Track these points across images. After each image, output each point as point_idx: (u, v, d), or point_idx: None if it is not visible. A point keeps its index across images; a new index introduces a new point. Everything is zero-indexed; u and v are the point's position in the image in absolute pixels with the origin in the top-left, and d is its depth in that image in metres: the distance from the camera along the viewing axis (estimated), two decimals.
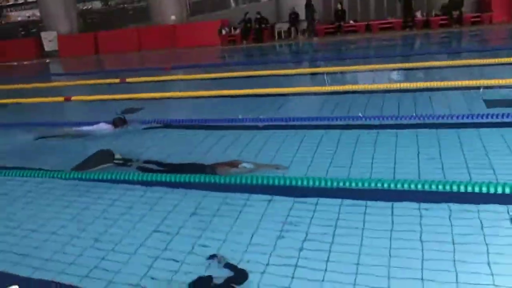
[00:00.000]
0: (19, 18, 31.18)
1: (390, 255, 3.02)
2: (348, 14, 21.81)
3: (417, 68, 10.52)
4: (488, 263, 2.83)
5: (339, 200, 3.84)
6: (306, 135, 5.85)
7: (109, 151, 5.41)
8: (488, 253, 2.94)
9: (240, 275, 2.97)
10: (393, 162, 4.63)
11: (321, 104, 8.10)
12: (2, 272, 3.25)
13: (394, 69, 10.81)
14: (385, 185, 4.03)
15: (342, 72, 11.21)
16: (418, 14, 20.17)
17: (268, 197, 4.08)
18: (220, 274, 2.95)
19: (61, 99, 10.82)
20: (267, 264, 3.06)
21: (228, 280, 2.89)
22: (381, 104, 7.15)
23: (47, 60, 24.56)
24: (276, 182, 4.35)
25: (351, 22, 21.51)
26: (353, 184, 4.15)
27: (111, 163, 5.25)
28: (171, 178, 4.67)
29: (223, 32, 22.79)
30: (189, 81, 12.47)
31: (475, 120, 5.78)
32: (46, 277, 3.16)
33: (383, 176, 4.26)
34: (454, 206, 3.56)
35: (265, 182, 4.37)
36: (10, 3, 35.39)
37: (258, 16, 21.95)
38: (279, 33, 22.21)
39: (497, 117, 5.76)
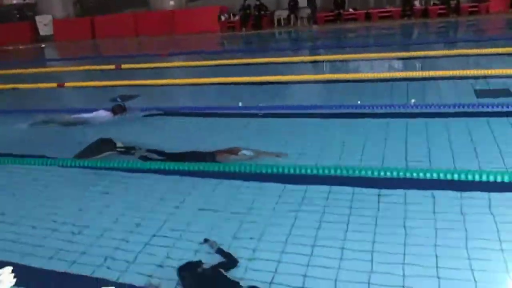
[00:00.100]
0: (14, 1, 30.71)
1: None
2: (348, 3, 21.77)
3: (414, 58, 10.58)
4: None
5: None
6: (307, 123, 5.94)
7: (110, 139, 5.45)
8: None
9: (230, 261, 3.06)
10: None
11: (321, 92, 8.14)
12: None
13: (393, 58, 10.84)
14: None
15: (342, 60, 11.18)
16: (417, 3, 20.20)
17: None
18: (211, 260, 3.06)
19: (54, 85, 10.73)
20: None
21: (217, 266, 2.97)
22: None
23: (42, 45, 24.33)
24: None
25: (351, 10, 21.48)
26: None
27: (114, 151, 5.30)
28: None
29: (222, 18, 22.71)
30: (187, 68, 12.51)
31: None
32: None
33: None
34: None
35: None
36: None
37: (258, 3, 21.86)
38: (279, 20, 22.17)
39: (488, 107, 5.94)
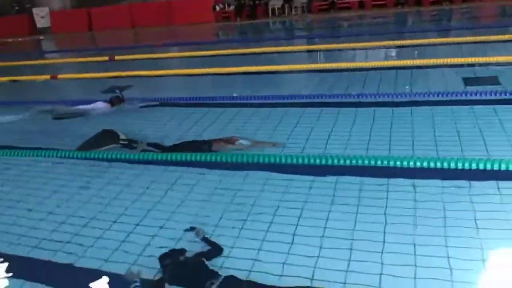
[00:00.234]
0: None
1: None
2: None
3: (408, 46, 10.57)
4: None
5: None
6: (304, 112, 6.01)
7: (113, 131, 5.52)
8: None
9: (215, 250, 3.12)
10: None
11: (316, 81, 8.16)
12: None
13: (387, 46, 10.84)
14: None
15: (337, 50, 11.20)
16: None
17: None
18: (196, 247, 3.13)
19: (47, 77, 10.79)
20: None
21: (199, 254, 3.02)
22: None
23: (40, 37, 24.29)
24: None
25: None
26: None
27: (117, 144, 5.36)
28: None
29: (217, 8, 22.64)
30: (182, 59, 12.51)
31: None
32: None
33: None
34: None
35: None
36: None
37: None
38: (273, 10, 22.12)
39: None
